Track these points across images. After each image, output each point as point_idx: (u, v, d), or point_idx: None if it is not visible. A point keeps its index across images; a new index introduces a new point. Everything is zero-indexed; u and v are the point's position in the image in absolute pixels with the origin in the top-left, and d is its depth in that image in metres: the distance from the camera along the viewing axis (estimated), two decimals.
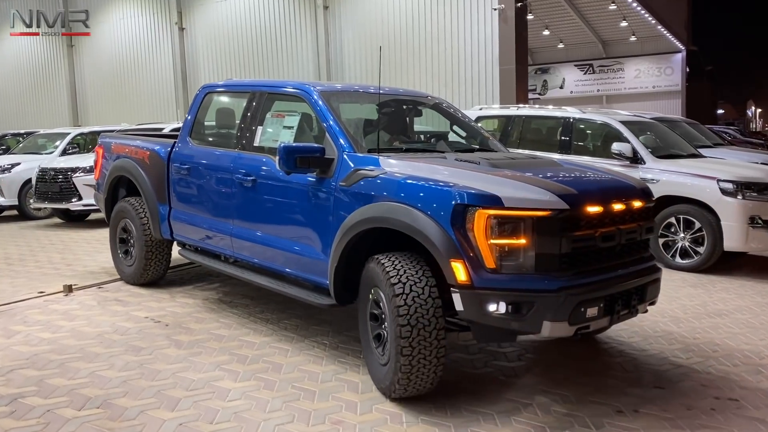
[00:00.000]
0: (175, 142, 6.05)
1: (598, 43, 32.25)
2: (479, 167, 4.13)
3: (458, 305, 3.55)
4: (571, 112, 8.87)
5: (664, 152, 8.15)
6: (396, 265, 3.74)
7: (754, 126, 73.33)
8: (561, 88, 34.15)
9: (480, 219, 3.49)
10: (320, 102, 4.80)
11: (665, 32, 29.46)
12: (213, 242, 5.59)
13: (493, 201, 3.52)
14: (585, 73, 33.80)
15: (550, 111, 9.39)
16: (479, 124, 8.59)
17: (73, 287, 6.33)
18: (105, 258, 7.05)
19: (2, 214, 12.82)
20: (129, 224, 6.42)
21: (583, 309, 3.56)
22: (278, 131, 5.23)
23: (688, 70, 32.74)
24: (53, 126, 19.88)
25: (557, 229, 3.55)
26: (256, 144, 5.23)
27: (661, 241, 7.52)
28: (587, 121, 8.76)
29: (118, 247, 6.66)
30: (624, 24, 28.94)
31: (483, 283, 3.49)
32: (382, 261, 3.83)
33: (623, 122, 8.31)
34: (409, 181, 3.92)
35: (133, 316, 5.50)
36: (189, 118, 6.02)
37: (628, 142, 7.93)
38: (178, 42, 22.71)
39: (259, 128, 5.28)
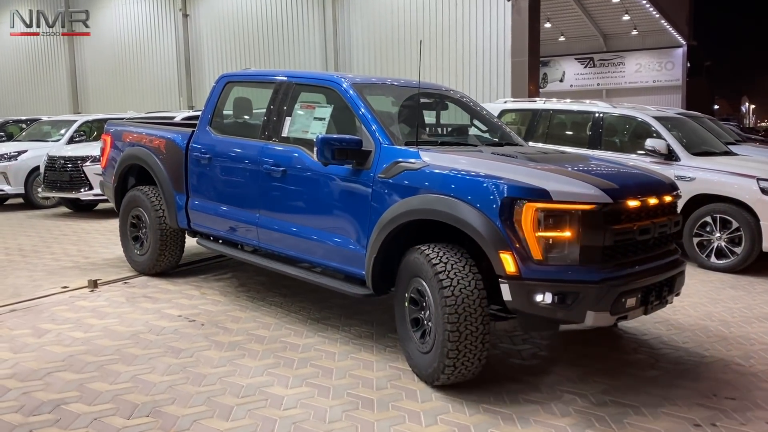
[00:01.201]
0: (193, 131, 5.91)
1: (599, 37, 32.03)
2: (518, 161, 4.20)
3: (506, 295, 3.62)
4: (601, 106, 8.64)
5: (697, 149, 7.96)
6: (441, 256, 3.79)
7: (747, 122, 73.33)
8: (561, 81, 33.96)
9: (528, 212, 3.56)
10: (353, 93, 4.75)
11: (668, 27, 29.26)
12: (237, 233, 5.47)
13: (542, 194, 3.59)
14: (585, 67, 33.60)
15: (578, 105, 9.07)
16: (502, 119, 8.43)
17: (98, 282, 6.09)
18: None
19: (7, 203, 12.53)
20: (142, 213, 6.26)
21: (623, 300, 3.68)
22: (308, 122, 5.15)
23: (689, 65, 32.61)
24: (52, 113, 19.51)
25: (601, 223, 3.63)
26: (284, 134, 5.16)
27: (695, 240, 7.35)
28: (618, 116, 8.52)
29: (130, 236, 6.48)
30: (626, 18, 28.72)
31: (530, 274, 3.56)
32: (427, 252, 3.86)
33: (656, 118, 8.11)
34: (455, 174, 3.92)
35: (166, 315, 5.27)
36: (208, 107, 5.89)
37: (662, 138, 7.74)
38: (182, 29, 22.31)
39: (287, 119, 5.20)
